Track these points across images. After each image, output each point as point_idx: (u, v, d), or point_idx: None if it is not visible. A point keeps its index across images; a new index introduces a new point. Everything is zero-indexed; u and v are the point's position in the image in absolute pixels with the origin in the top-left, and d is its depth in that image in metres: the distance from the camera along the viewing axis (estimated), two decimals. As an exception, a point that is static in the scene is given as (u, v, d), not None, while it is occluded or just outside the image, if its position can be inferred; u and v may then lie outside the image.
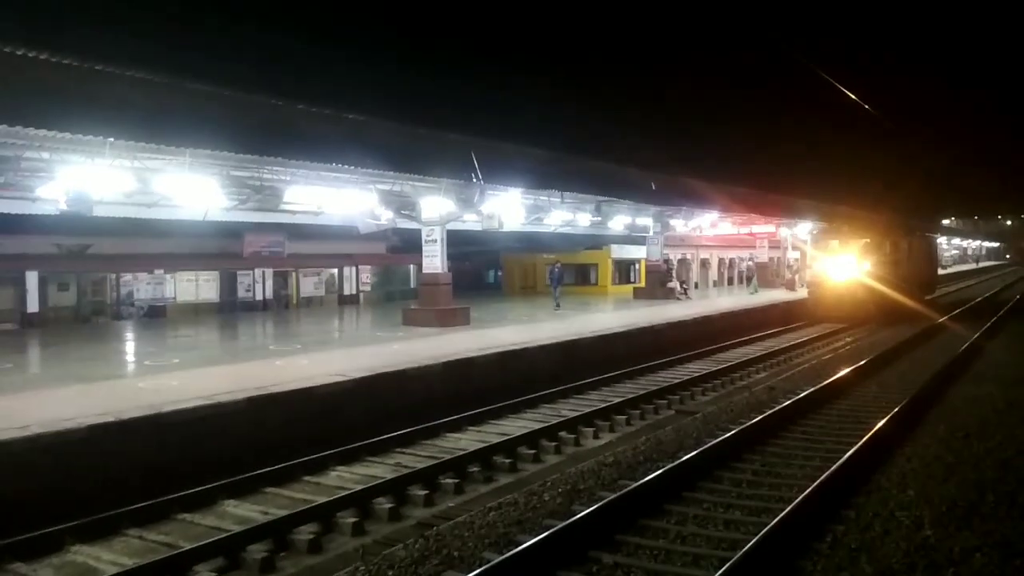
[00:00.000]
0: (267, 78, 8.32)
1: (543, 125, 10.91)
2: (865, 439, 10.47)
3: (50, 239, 28.14)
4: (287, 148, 13.94)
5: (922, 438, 10.92)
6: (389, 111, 9.51)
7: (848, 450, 9.99)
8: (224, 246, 33.24)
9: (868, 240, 29.39)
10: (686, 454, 10.07)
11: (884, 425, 11.20)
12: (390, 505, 9.81)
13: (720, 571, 6.45)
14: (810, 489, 8.43)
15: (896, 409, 12.10)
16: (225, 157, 17.57)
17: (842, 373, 15.77)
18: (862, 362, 17.19)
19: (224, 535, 8.60)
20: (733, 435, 10.97)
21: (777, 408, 12.64)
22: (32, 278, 28.03)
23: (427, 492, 10.33)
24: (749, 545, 6.94)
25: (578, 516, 7.72)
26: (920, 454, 10.05)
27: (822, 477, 8.85)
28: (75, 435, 10.44)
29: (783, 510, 7.85)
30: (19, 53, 6.84)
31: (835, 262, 29.47)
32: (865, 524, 7.68)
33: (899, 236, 31.78)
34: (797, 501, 8.08)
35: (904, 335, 23.20)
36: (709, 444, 10.54)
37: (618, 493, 8.47)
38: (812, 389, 14.10)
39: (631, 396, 16.18)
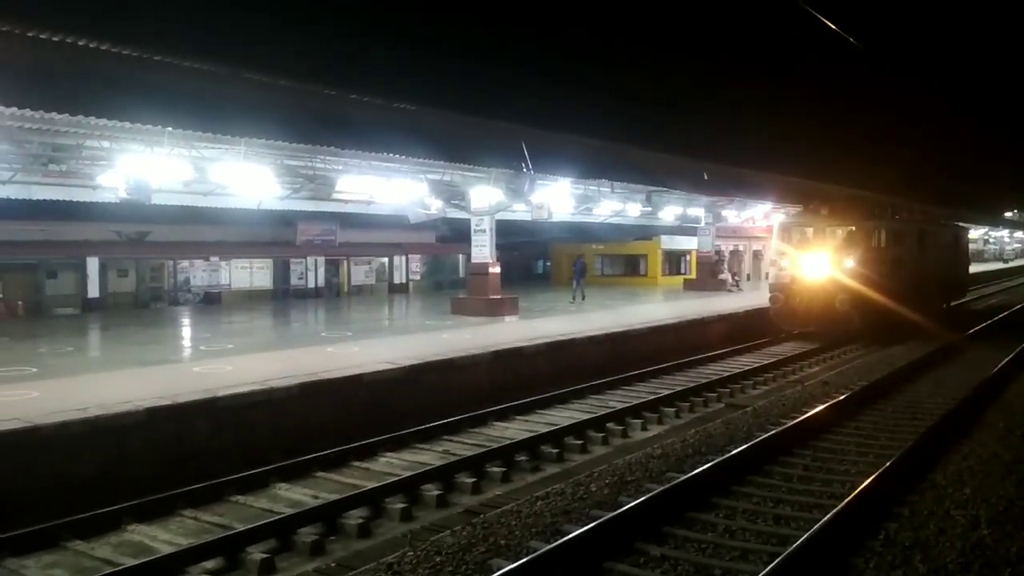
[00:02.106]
0: (320, 68, 8.40)
1: (594, 113, 10.84)
2: (921, 435, 10.24)
3: (110, 226, 28.86)
4: (339, 137, 14.09)
5: (980, 435, 10.65)
6: (440, 100, 9.53)
7: (904, 446, 9.78)
8: (277, 234, 33.76)
9: (853, 228, 22.68)
10: (735, 448, 9.96)
11: (941, 422, 10.94)
12: (438, 492, 9.89)
13: (769, 567, 6.37)
14: (863, 485, 8.28)
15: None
16: (279, 146, 17.83)
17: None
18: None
19: (276, 518, 8.75)
20: (784, 429, 10.82)
21: (830, 403, 12.42)
22: (93, 264, 28.80)
23: (474, 480, 10.39)
24: (799, 541, 6.84)
25: (625, 507, 7.69)
26: (977, 452, 9.81)
27: (876, 473, 8.68)
28: (133, 417, 10.72)
29: (835, 506, 7.73)
30: (81, 44, 7.01)
31: (807, 257, 22.82)
32: (920, 522, 7.52)
33: (903, 224, 25.79)
34: (850, 497, 7.95)
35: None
36: (759, 438, 10.41)
37: (666, 485, 8.42)
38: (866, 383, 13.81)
39: (680, 388, 16.06)
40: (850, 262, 21.97)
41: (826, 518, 7.36)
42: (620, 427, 13.26)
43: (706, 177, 19.02)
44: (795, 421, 11.37)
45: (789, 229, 24.33)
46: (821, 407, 12.05)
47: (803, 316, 22.51)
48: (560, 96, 9.84)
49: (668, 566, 6.85)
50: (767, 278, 24.60)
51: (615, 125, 11.68)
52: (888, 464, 8.92)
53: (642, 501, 7.87)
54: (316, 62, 8.18)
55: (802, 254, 23.00)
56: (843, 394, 13.13)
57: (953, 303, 31.73)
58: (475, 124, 11.40)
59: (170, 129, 15.05)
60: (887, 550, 6.93)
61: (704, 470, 8.90)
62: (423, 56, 8.11)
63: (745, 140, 13.92)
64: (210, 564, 7.72)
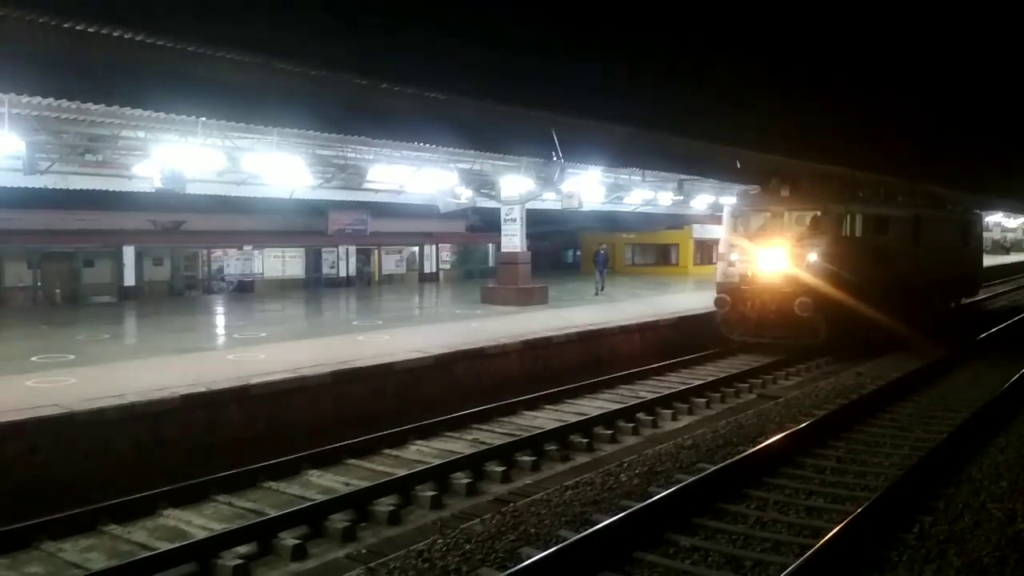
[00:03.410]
0: (352, 57, 8.41)
1: (625, 101, 10.75)
2: (957, 427, 10.09)
3: (146, 215, 29.21)
4: (371, 127, 14.15)
5: (1018, 428, 10.47)
6: (471, 89, 9.51)
7: (939, 438, 9.65)
8: (309, 223, 33.99)
9: (818, 213, 18.31)
10: (767, 439, 9.89)
11: (977, 415, 10.77)
12: (467, 480, 9.92)
13: (801, 559, 6.32)
14: (897, 478, 8.18)
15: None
16: (311, 136, 17.95)
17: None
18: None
19: (308, 504, 8.85)
20: (817, 421, 10.71)
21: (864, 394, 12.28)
22: (129, 253, 29.21)
23: (504, 469, 10.41)
24: (832, 533, 6.78)
25: (655, 498, 7.67)
26: (1015, 444, 9.64)
27: (910, 466, 8.57)
28: (168, 404, 10.89)
29: (868, 499, 7.64)
30: (117, 35, 7.09)
31: (760, 250, 18.45)
32: (955, 515, 7.42)
33: (889, 208, 21.39)
34: (883, 490, 7.86)
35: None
36: (792, 429, 10.32)
37: (696, 476, 8.38)
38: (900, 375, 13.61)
39: (711, 379, 15.95)
40: (813, 256, 17.65)
41: (859, 510, 7.28)
42: (650, 417, 13.22)
43: (739, 165, 18.71)
44: (828, 412, 11.26)
45: (741, 215, 19.70)
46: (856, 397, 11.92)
47: (755, 324, 18.31)
48: (591, 83, 9.77)
49: (698, 557, 6.83)
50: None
51: (647, 112, 11.58)
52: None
53: (672, 491, 7.85)
54: (347, 51, 8.20)
55: (755, 246, 18.57)
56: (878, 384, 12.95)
57: (964, 301, 28.03)
58: (506, 113, 11.36)
59: (204, 119, 15.20)
60: (921, 543, 6.84)
61: (735, 461, 8.85)
62: (454, 45, 8.09)
63: (778, 127, 13.69)
64: (243, 549, 7.82)
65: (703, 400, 14.43)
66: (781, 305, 17.71)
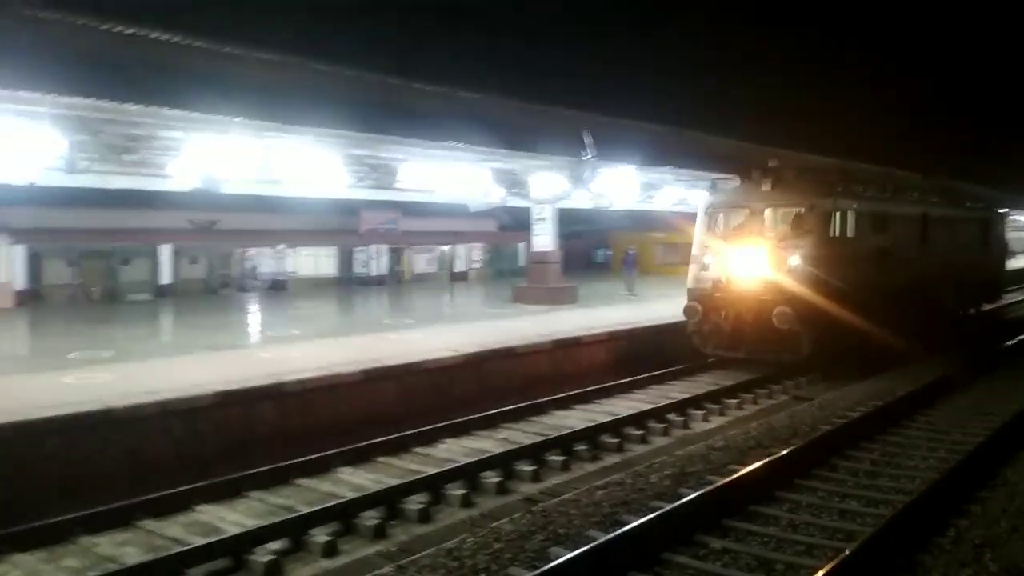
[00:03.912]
0: (385, 58, 8.47)
1: (658, 99, 10.71)
2: (995, 430, 9.92)
3: (182, 215, 29.63)
4: (403, 126, 14.21)
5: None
6: (502, 88, 9.54)
7: (976, 440, 9.49)
8: (342, 223, 34.26)
9: (802, 209, 16.09)
10: (800, 441, 9.79)
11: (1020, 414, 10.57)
12: (497, 479, 9.94)
13: (834, 562, 6.25)
14: (933, 481, 8.06)
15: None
16: (344, 136, 18.03)
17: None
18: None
19: (339, 501, 8.91)
20: (850, 422, 10.59)
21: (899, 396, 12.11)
22: (165, 251, 29.66)
23: (534, 468, 10.41)
24: (865, 536, 6.70)
25: (686, 499, 7.63)
26: (1057, 450, 9.45)
27: (946, 469, 8.44)
28: (203, 401, 11.04)
29: (903, 502, 7.54)
30: (154, 36, 7.21)
31: (736, 252, 16.28)
32: (992, 519, 7.29)
33: (888, 204, 18.99)
34: (918, 493, 7.74)
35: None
36: (824, 431, 10.21)
37: (728, 478, 8.32)
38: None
39: (743, 379, 15.81)
40: (796, 259, 15.46)
41: (893, 514, 7.19)
42: (681, 418, 13.13)
43: (771, 165, 18.48)
44: (862, 414, 11.12)
45: (716, 211, 17.46)
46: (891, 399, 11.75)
47: (730, 336, 16.24)
48: (623, 82, 9.75)
49: (729, 559, 6.78)
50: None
51: (680, 110, 11.53)
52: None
53: (703, 493, 7.80)
54: (381, 52, 8.26)
55: (730, 247, 16.45)
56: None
57: (983, 308, 25.36)
58: (537, 111, 11.37)
59: (239, 119, 15.36)
60: (956, 547, 6.74)
61: (767, 463, 8.77)
62: (486, 45, 8.12)
63: (812, 126, 13.54)
64: (276, 545, 7.90)
65: (734, 401, 14.32)
66: (758, 315, 15.59)
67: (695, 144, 16.02)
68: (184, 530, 8.41)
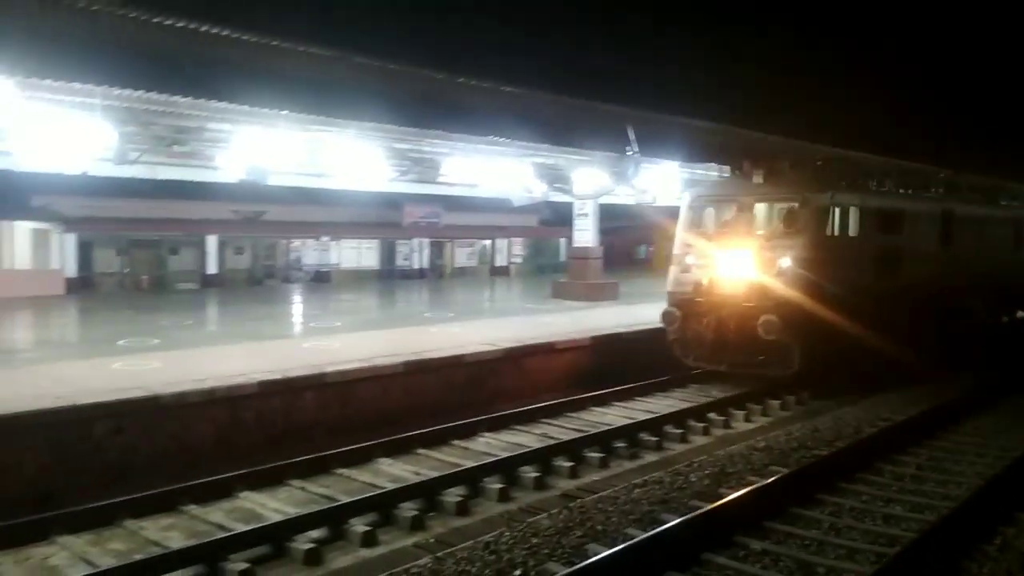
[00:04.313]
0: (430, 52, 8.49)
1: (704, 95, 10.59)
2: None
3: (228, 206, 30.12)
4: (446, 120, 14.24)
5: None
6: (546, 83, 9.51)
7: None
8: (384, 216, 34.53)
9: (796, 205, 14.41)
10: (844, 443, 9.64)
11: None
12: (535, 474, 9.93)
13: (877, 567, 6.15)
14: (980, 487, 7.88)
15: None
16: (387, 130, 18.14)
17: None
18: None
19: (379, 492, 8.98)
20: (896, 426, 10.39)
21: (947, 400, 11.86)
22: (212, 242, 30.17)
23: (572, 464, 10.38)
24: (909, 542, 6.57)
25: (726, 499, 7.56)
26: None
27: (994, 475, 8.25)
28: (246, 389, 11.20)
29: (948, 507, 7.39)
30: (203, 30, 7.31)
31: (721, 252, 14.57)
32: (1043, 530, 7.11)
33: (900, 200, 17.22)
34: (964, 499, 7.58)
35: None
36: (869, 434, 10.04)
37: (769, 479, 8.23)
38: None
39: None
40: (786, 261, 13.76)
41: (938, 519, 7.05)
42: (722, 417, 13.00)
43: (819, 163, 18.12)
44: (908, 417, 10.92)
45: (702, 206, 15.71)
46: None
47: (712, 347, 14.46)
48: (667, 78, 9.66)
49: (769, 561, 6.70)
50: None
51: (727, 107, 11.37)
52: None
53: (744, 493, 7.72)
54: (425, 46, 8.28)
55: (714, 247, 14.75)
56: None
57: (1020, 316, 22.39)
58: (581, 107, 11.31)
59: (286, 112, 15.54)
60: (1003, 555, 6.59)
61: (809, 465, 8.66)
62: (531, 40, 8.09)
63: (865, 123, 13.24)
64: (315, 533, 7.99)
65: (778, 402, 14.13)
66: (742, 324, 13.85)
67: (740, 141, 15.76)
68: (226, 516, 8.54)
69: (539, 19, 7.67)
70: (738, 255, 14.26)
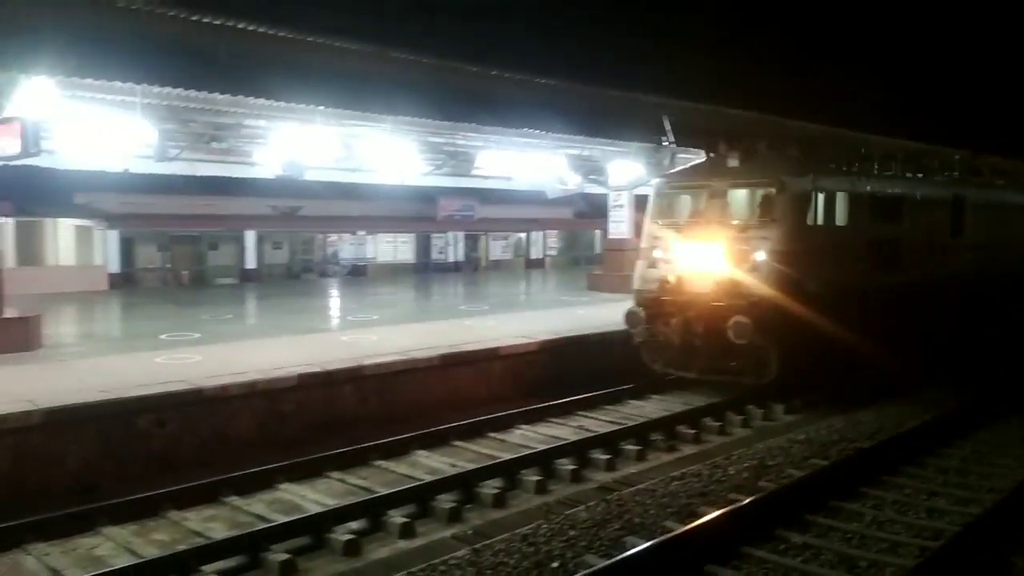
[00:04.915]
0: (464, 45, 8.50)
1: (743, 84, 10.47)
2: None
3: (266, 201, 30.43)
4: (480, 113, 14.25)
5: None
6: (581, 74, 9.47)
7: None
8: (420, 210, 34.66)
9: (773, 190, 12.70)
10: (886, 435, 9.49)
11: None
12: (572, 467, 9.92)
13: (920, 561, 6.05)
14: (1028, 482, 7.72)
15: None
16: (422, 123, 18.22)
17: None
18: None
19: (416, 483, 9.03)
20: (939, 417, 10.21)
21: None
22: (251, 237, 30.53)
23: (609, 456, 10.35)
24: (954, 535, 6.46)
25: (765, 492, 7.48)
26: None
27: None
28: (286, 382, 11.32)
29: (994, 500, 7.24)
30: (241, 27, 7.38)
31: (690, 245, 13.10)
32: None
33: (900, 184, 15.58)
34: (1010, 491, 7.43)
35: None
36: (912, 426, 9.87)
37: (809, 472, 8.13)
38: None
39: (825, 372, 15.36)
40: (761, 254, 12.32)
41: (983, 512, 6.92)
42: (761, 409, 12.86)
43: (863, 152, 17.72)
44: (952, 408, 10.71)
45: (672, 194, 14.22)
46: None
47: (680, 351, 13.08)
48: (704, 67, 9.56)
49: (810, 555, 6.63)
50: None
51: (767, 96, 11.23)
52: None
53: (784, 486, 7.64)
54: (459, 39, 8.29)
55: (682, 239, 13.26)
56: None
57: None
58: (616, 97, 11.24)
59: (322, 107, 15.65)
60: (1055, 551, 6.44)
61: (850, 457, 8.54)
62: (564, 31, 8.06)
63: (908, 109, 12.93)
64: (354, 525, 8.06)
65: (818, 394, 13.93)
66: (711, 326, 12.42)
67: (778, 129, 15.51)
68: (267, 507, 8.65)
69: (574, 11, 7.64)
70: (708, 248, 12.78)
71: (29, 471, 9.11)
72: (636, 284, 13.97)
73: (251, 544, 7.39)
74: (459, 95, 11.44)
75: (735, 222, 12.93)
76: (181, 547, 7.38)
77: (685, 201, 14.07)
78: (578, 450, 10.45)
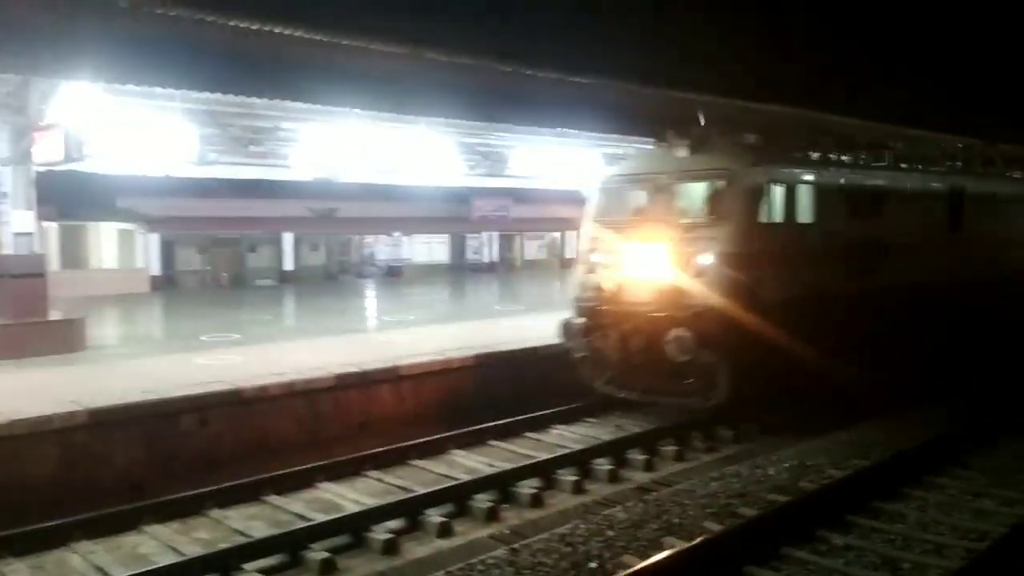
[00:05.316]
0: (499, 44, 8.49)
1: (779, 80, 10.32)
2: None
3: (303, 203, 30.74)
4: (514, 114, 14.22)
5: None
6: (619, 72, 9.40)
7: None
8: (454, 210, 34.78)
9: (724, 182, 11.20)
10: (929, 435, 9.33)
11: None
12: (609, 467, 9.88)
13: (965, 563, 5.93)
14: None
15: None
16: (456, 124, 18.29)
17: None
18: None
19: (453, 483, 9.06)
20: (979, 421, 10.01)
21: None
22: (288, 239, 30.87)
23: (646, 457, 10.29)
24: (1000, 536, 6.33)
25: (806, 493, 7.40)
26: None
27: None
28: (324, 383, 11.43)
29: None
30: (277, 31, 7.45)
31: (632, 247, 11.50)
32: None
33: (876, 172, 14.00)
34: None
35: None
36: (957, 426, 9.69)
37: (850, 471, 8.02)
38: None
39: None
40: (708, 257, 10.71)
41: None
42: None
43: (900, 146, 17.37)
44: (1000, 407, 10.49)
45: (615, 190, 12.59)
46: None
47: (618, 368, 11.69)
48: (745, 62, 9.44)
49: (852, 556, 6.53)
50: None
51: (798, 90, 11.05)
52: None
53: (825, 486, 7.55)
54: (493, 39, 8.28)
55: (623, 240, 11.60)
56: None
57: None
58: (652, 95, 11.13)
59: (357, 111, 15.77)
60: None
61: (894, 457, 8.41)
62: (598, 28, 8.02)
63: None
64: (393, 524, 8.11)
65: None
66: (651, 340, 10.79)
67: (825, 127, 15.20)
68: (307, 506, 8.73)
69: (612, 8, 7.60)
70: (650, 251, 11.17)
71: (76, 470, 9.30)
72: (575, 292, 12.31)
73: (291, 543, 7.47)
74: (493, 95, 11.41)
75: (681, 221, 11.26)
76: (223, 545, 7.48)
77: (630, 197, 12.37)
78: (615, 450, 10.41)
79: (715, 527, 6.84)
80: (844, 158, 13.41)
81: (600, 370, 12.00)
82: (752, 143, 12.31)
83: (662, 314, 10.80)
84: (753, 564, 6.32)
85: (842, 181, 12.69)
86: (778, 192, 11.36)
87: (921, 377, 12.33)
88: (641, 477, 9.67)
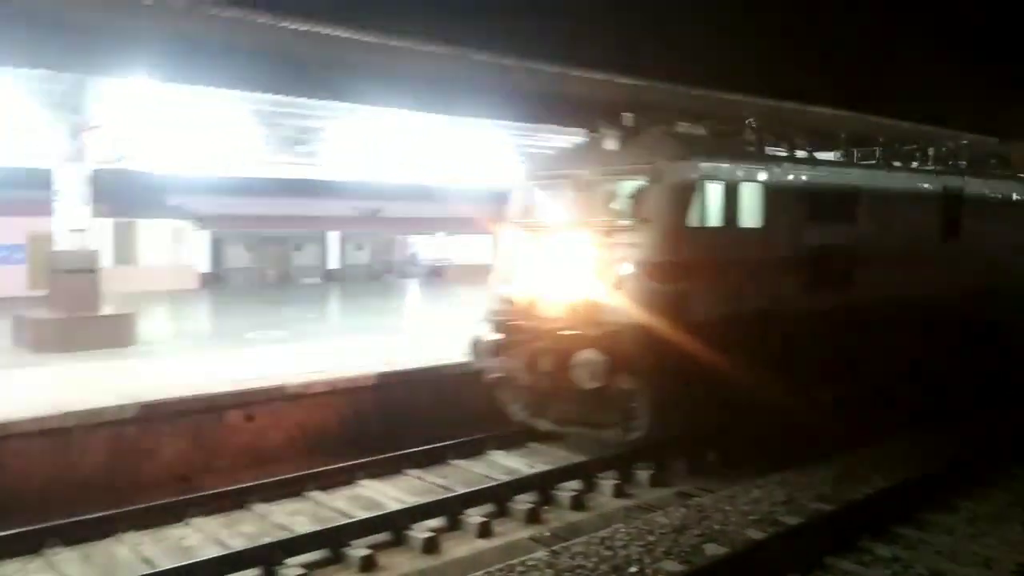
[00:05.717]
0: (542, 46, 8.51)
1: (824, 80, 10.18)
2: None
3: (348, 203, 31.05)
4: (561, 114, 14.23)
5: None
6: (666, 73, 9.36)
7: None
8: (495, 211, 34.80)
9: (647, 181, 9.43)
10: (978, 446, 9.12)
11: None
12: (651, 472, 9.79)
13: (1018, 579, 5.79)
14: None
15: None
16: (502, 124, 18.32)
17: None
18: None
19: (494, 483, 9.06)
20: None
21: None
22: (334, 238, 31.22)
23: (689, 462, 10.18)
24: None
25: (851, 501, 7.28)
26: None
27: None
28: (365, 382, 11.53)
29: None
30: (326, 32, 7.57)
31: (550, 255, 9.90)
32: None
33: (842, 168, 11.97)
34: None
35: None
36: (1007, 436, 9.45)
37: (897, 482, 7.87)
38: None
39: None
40: (628, 267, 9.12)
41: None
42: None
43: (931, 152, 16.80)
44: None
45: (536, 189, 11.04)
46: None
47: (529, 393, 10.29)
48: (797, 62, 9.33)
49: (899, 568, 6.41)
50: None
51: (840, 93, 10.88)
52: None
53: (870, 496, 7.42)
54: (539, 40, 8.31)
55: (540, 247, 10.14)
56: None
57: None
58: (700, 97, 11.07)
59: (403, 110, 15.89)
60: None
61: (941, 469, 8.24)
62: (648, 31, 8.00)
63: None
64: (433, 523, 8.14)
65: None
66: (561, 362, 9.18)
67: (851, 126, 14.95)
68: (349, 503, 8.81)
69: (656, 11, 7.58)
70: (566, 258, 9.69)
71: (126, 462, 9.51)
72: (488, 305, 10.63)
73: (333, 539, 7.54)
74: (538, 96, 11.44)
75: (602, 224, 9.70)
76: (266, 540, 7.58)
77: (550, 197, 10.83)
78: (657, 455, 10.31)
79: (757, 535, 6.76)
80: (805, 154, 11.23)
81: (515, 395, 10.55)
82: (683, 133, 10.79)
83: (571, 332, 9.24)
84: (796, 573, 6.24)
85: (803, 179, 10.67)
86: (714, 191, 9.62)
87: (905, 401, 11.28)
88: (682, 483, 9.55)
